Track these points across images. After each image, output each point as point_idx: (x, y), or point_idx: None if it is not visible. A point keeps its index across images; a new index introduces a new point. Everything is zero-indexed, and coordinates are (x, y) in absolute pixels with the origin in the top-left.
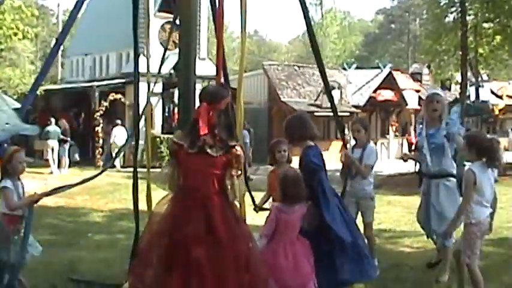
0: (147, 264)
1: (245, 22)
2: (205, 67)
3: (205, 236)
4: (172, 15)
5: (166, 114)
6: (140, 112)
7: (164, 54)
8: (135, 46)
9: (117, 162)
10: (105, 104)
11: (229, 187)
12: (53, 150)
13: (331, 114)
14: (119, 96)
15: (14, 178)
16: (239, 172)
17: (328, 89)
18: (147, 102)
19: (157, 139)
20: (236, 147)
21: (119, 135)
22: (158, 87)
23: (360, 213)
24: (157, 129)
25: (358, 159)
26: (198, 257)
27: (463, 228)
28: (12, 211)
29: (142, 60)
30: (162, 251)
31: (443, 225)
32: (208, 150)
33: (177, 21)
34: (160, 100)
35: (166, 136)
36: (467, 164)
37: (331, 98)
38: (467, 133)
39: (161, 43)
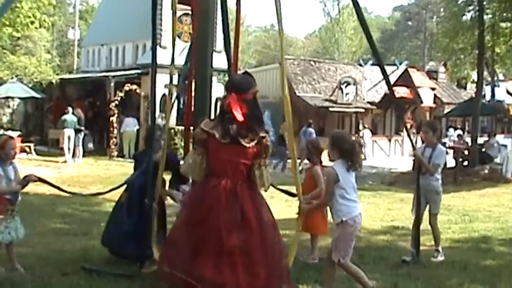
0: (179, 251)
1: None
2: (221, 60)
3: (239, 225)
4: (189, 7)
5: (182, 106)
6: (156, 104)
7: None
8: (154, 37)
9: (126, 152)
10: (121, 94)
11: (257, 177)
12: (69, 139)
13: (346, 109)
14: (134, 87)
15: (6, 163)
16: (267, 162)
17: (389, 86)
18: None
19: (172, 130)
20: (266, 137)
21: (129, 125)
22: (174, 79)
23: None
24: (172, 121)
25: (427, 157)
26: (233, 245)
27: (336, 227)
28: (1, 194)
29: (158, 52)
30: (196, 238)
31: None
32: (242, 141)
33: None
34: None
35: (181, 128)
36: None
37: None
38: (333, 133)
39: (178, 35)
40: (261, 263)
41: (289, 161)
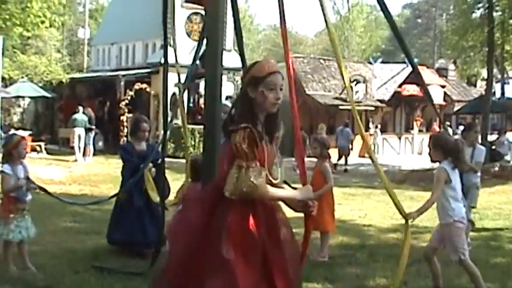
0: None
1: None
2: (231, 58)
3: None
4: (199, 6)
5: (191, 105)
6: (167, 103)
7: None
8: (165, 37)
9: None
10: (131, 93)
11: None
12: (79, 138)
13: (356, 107)
14: (144, 86)
15: (16, 163)
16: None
17: (424, 86)
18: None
19: (181, 130)
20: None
21: None
22: (183, 78)
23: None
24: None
25: (469, 156)
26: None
27: (446, 228)
28: (9, 193)
29: (169, 51)
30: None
31: None
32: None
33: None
34: (186, 91)
35: (190, 127)
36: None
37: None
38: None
39: (188, 34)
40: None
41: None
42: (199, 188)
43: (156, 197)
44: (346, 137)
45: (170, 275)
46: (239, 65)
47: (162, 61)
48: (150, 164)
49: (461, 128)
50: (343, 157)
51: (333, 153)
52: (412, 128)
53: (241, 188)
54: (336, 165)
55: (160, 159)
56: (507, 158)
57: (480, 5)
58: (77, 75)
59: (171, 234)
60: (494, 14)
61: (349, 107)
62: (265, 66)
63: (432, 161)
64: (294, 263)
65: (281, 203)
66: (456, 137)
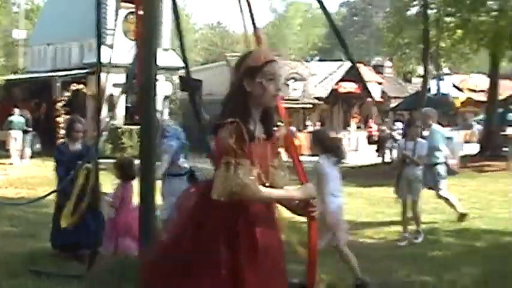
0: None
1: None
2: (168, 58)
3: None
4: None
5: (129, 105)
6: (102, 103)
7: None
8: (98, 36)
9: None
10: (67, 94)
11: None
12: (16, 140)
13: (294, 105)
14: (81, 86)
15: None
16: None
17: (364, 84)
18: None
19: (119, 130)
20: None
21: None
22: (121, 78)
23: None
24: (119, 121)
25: (411, 150)
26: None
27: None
28: None
29: (105, 51)
30: None
31: None
32: None
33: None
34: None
35: (128, 127)
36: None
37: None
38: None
39: (124, 33)
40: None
41: None
42: (129, 187)
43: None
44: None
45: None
46: (177, 64)
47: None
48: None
49: (398, 124)
50: None
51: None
52: (350, 125)
53: (230, 187)
54: None
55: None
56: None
57: (415, 3)
58: (13, 76)
59: (159, 247)
60: (429, 11)
61: (286, 105)
62: (261, 55)
63: (312, 155)
64: None
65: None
66: (394, 133)
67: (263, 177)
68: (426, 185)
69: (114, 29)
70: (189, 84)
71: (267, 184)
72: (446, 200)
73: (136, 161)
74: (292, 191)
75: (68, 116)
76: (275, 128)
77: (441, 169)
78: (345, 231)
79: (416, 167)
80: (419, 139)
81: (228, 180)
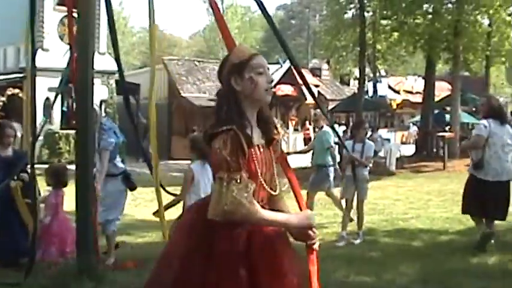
0: None
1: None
2: (105, 62)
3: None
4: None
5: (65, 109)
6: (36, 107)
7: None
8: (32, 40)
9: None
10: (3, 99)
11: None
12: None
13: None
14: (16, 91)
15: None
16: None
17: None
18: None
19: (56, 135)
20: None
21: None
22: (57, 82)
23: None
24: (56, 125)
25: (359, 151)
26: None
27: None
28: None
29: (41, 54)
30: None
31: None
32: None
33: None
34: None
35: (65, 132)
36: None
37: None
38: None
39: (60, 37)
40: None
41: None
42: (61, 194)
43: (28, 216)
44: None
45: None
46: (114, 68)
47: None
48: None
49: (338, 126)
50: None
51: None
52: (288, 127)
53: (223, 206)
54: None
55: (29, 165)
56: (381, 154)
57: (352, 6)
58: None
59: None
60: (366, 14)
61: None
62: (244, 50)
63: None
64: None
65: None
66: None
67: (266, 187)
68: (314, 185)
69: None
70: (124, 87)
71: (275, 193)
72: (335, 199)
73: (71, 167)
74: (291, 217)
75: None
76: (275, 132)
77: (330, 170)
78: None
79: (365, 168)
80: (368, 141)
81: (221, 197)
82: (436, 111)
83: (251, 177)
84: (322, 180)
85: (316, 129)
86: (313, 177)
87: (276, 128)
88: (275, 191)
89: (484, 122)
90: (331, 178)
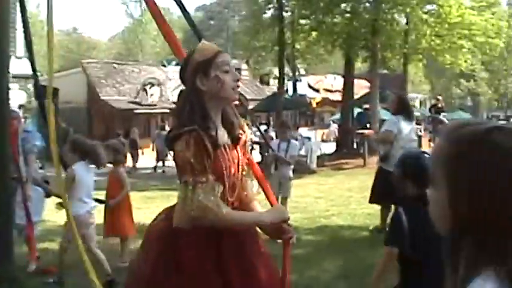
0: None
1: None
2: (22, 66)
3: None
4: None
5: None
6: None
7: None
8: None
9: None
10: None
11: None
12: None
13: (152, 111)
14: None
15: None
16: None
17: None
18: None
19: None
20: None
21: None
22: None
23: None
24: None
25: (284, 150)
26: None
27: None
28: None
29: None
30: None
31: None
32: None
33: None
34: None
35: None
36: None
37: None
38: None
39: None
40: None
41: None
42: None
43: None
44: (163, 140)
45: None
46: (31, 72)
47: None
48: None
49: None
50: (162, 160)
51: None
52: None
53: (189, 212)
54: (155, 167)
55: None
56: (301, 152)
57: (270, 6)
58: None
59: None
60: (284, 14)
61: (144, 111)
62: (208, 47)
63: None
64: None
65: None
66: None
67: (238, 187)
68: None
69: None
70: (40, 92)
71: (245, 193)
72: None
73: None
74: (263, 214)
75: None
76: (240, 131)
77: None
78: (94, 233)
79: (288, 166)
80: (292, 140)
81: (187, 203)
82: (358, 111)
83: (218, 179)
84: None
85: None
86: None
87: (242, 128)
88: (245, 192)
89: (394, 118)
90: None
